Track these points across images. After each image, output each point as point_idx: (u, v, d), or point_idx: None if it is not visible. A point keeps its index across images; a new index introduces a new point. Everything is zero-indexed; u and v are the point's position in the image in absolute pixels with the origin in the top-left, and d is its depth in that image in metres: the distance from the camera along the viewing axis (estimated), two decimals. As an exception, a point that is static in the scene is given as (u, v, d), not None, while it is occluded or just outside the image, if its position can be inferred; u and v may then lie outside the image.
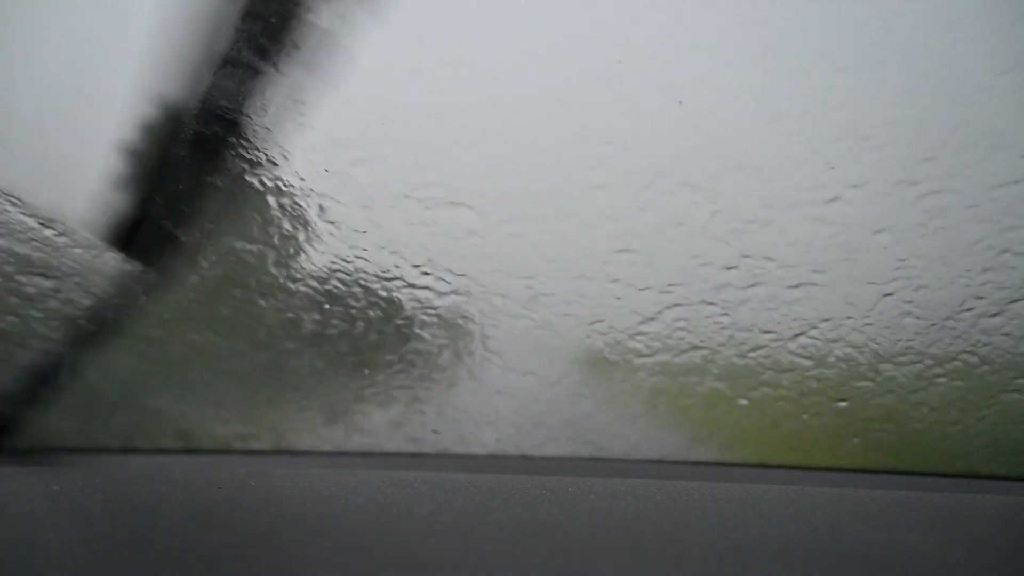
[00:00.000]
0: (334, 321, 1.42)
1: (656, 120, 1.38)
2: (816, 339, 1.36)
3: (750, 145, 1.40)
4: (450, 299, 1.43)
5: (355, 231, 1.36)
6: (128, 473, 0.99)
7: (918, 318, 1.29)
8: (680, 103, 1.32)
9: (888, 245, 1.33)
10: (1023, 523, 0.82)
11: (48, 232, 1.19)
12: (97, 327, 1.06)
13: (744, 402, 1.42)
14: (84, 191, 1.27)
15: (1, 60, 1.32)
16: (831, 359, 1.36)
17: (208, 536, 0.65)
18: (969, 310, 1.26)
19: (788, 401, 1.39)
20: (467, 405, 1.49)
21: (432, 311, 1.44)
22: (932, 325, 1.29)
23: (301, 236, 1.33)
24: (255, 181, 1.17)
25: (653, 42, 1.35)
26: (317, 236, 1.33)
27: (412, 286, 1.41)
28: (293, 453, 1.35)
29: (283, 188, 1.23)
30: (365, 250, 1.38)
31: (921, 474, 1.19)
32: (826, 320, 1.35)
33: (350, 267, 1.38)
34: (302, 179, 1.25)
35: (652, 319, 1.43)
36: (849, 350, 1.35)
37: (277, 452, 1.36)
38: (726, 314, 1.41)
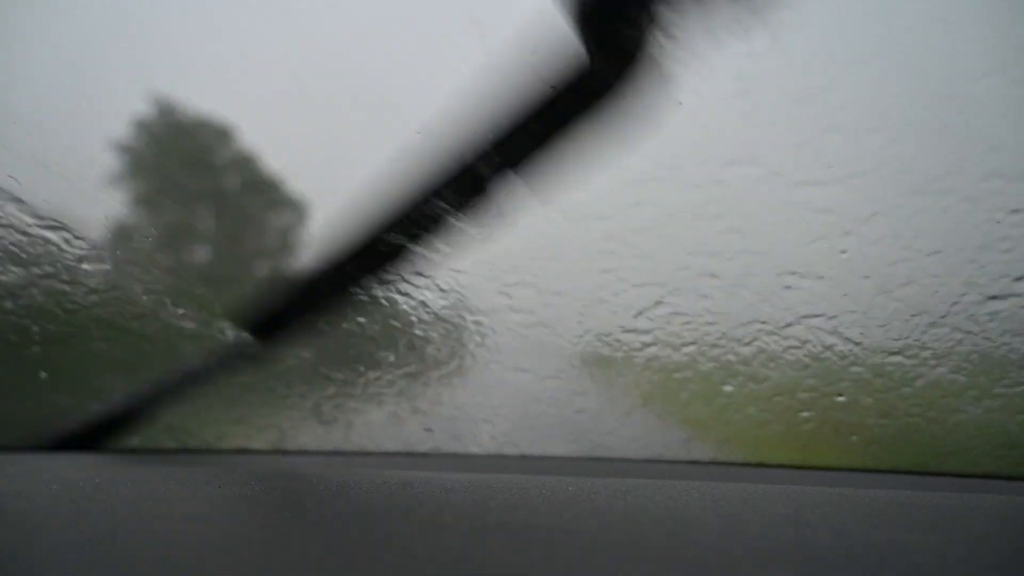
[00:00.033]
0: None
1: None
2: (812, 332, 1.36)
3: (747, 142, 1.40)
4: (449, 298, 1.43)
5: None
6: (128, 473, 0.99)
7: (914, 314, 1.29)
8: (680, 103, 1.32)
9: (884, 239, 1.33)
10: (1023, 523, 0.82)
11: (47, 231, 1.20)
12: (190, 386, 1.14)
13: (742, 398, 1.42)
14: (84, 191, 1.27)
15: (1, 60, 1.32)
16: (827, 354, 1.36)
17: (208, 536, 0.65)
18: (967, 304, 1.26)
19: (785, 395, 1.40)
20: (463, 402, 1.50)
21: (430, 310, 1.44)
22: (931, 322, 1.29)
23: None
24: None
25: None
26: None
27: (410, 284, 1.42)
28: (293, 453, 1.35)
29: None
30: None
31: (921, 474, 1.18)
32: (819, 315, 1.35)
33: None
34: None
35: (646, 314, 1.43)
36: (847, 345, 1.35)
37: (277, 452, 1.36)
38: (721, 309, 1.42)
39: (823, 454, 1.38)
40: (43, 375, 1.28)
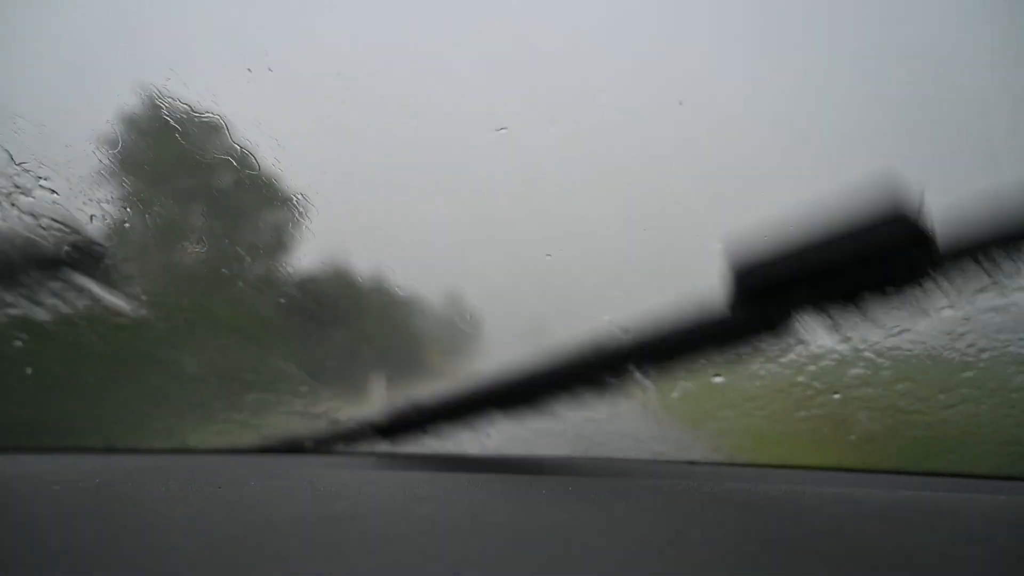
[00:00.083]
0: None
1: (656, 118, 1.39)
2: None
3: (746, 140, 1.40)
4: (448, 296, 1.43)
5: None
6: (128, 473, 0.99)
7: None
8: (680, 103, 1.32)
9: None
10: (1023, 523, 0.82)
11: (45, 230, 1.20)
12: None
13: (739, 395, 1.42)
14: (84, 190, 1.27)
15: (1, 60, 1.32)
16: (824, 350, 1.36)
17: (208, 536, 0.65)
18: (966, 302, 1.26)
19: (783, 393, 1.40)
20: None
21: (427, 308, 1.44)
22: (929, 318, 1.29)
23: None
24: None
25: (653, 41, 1.35)
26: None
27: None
28: (293, 452, 1.35)
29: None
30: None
31: (921, 474, 1.18)
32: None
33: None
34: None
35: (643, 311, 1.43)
36: (843, 344, 1.35)
37: (277, 452, 1.35)
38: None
39: (821, 449, 1.38)
40: (34, 374, 1.27)
